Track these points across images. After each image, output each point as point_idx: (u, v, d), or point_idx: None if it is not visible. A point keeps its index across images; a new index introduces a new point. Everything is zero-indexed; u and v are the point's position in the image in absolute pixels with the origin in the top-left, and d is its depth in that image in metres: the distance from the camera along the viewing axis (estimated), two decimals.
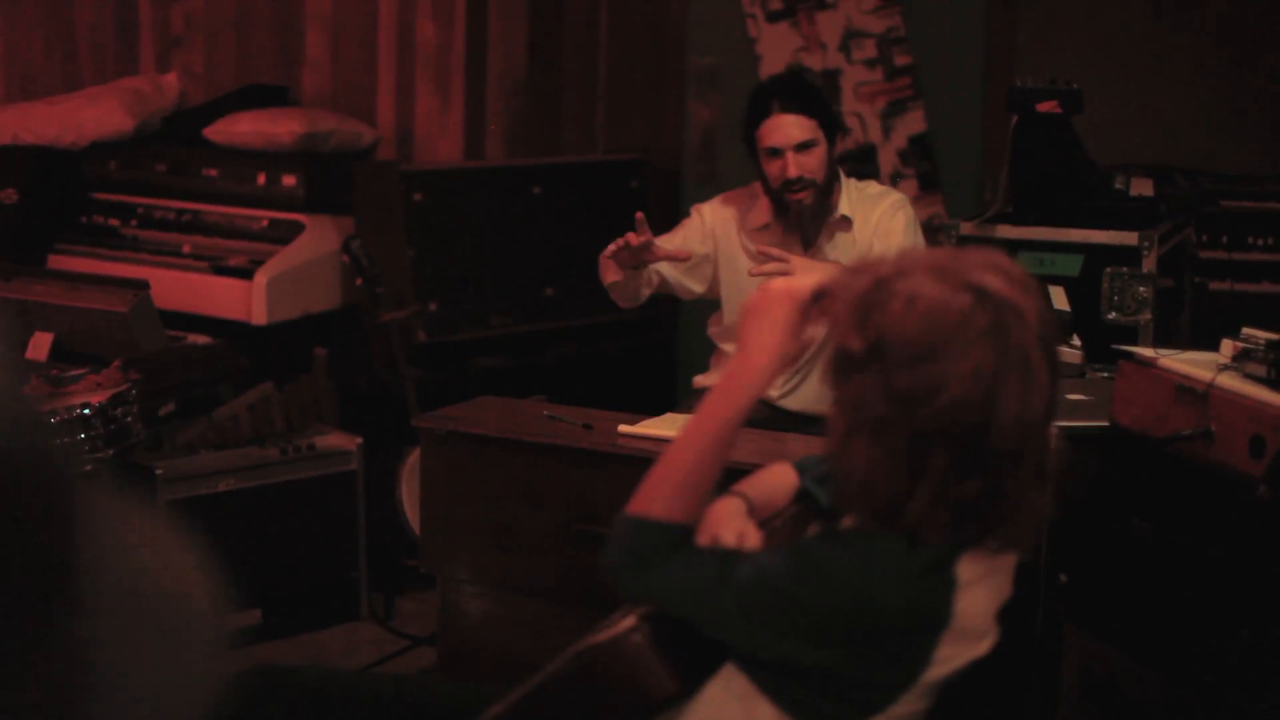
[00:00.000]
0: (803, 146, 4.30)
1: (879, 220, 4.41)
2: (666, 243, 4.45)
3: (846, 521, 2.26)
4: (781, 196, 4.34)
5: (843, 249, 4.41)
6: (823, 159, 4.33)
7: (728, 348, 4.56)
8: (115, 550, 0.95)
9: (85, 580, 0.86)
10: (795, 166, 4.28)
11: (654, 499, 2.31)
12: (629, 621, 2.34)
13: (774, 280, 2.38)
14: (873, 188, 4.53)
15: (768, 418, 4.39)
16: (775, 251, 4.19)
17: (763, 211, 4.47)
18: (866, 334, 2.12)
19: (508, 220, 5.85)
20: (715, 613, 2.23)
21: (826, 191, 4.37)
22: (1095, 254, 4.67)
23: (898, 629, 2.18)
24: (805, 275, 4.07)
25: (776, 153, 4.31)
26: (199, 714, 0.95)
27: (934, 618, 2.18)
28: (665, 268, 4.50)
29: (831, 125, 4.38)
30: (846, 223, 4.42)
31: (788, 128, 4.30)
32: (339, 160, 6.10)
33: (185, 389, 5.01)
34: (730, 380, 2.32)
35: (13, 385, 0.84)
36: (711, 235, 4.53)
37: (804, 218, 4.36)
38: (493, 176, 5.97)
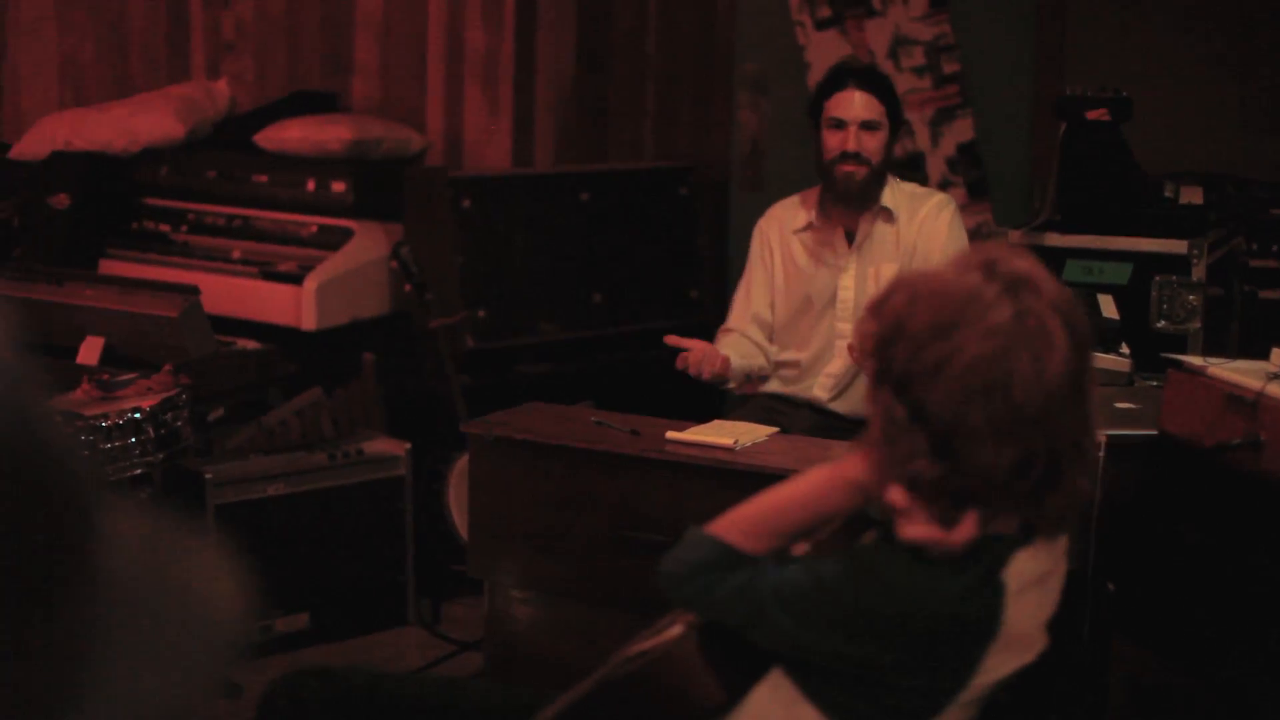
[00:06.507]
0: (867, 125, 4.36)
1: (924, 217, 4.43)
2: (752, 276, 4.57)
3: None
4: (833, 170, 4.37)
5: (884, 241, 4.44)
6: (882, 144, 4.39)
7: (773, 348, 4.58)
8: (140, 551, 0.94)
9: (93, 578, 0.86)
10: (855, 141, 4.34)
11: (733, 524, 2.34)
12: (678, 630, 2.34)
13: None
14: (918, 188, 4.58)
15: (818, 424, 4.39)
16: None
17: (809, 210, 4.50)
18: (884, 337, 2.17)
19: (556, 227, 5.86)
20: (762, 614, 2.24)
21: (878, 179, 4.40)
22: (1144, 262, 4.65)
23: (946, 635, 2.18)
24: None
25: (841, 124, 4.36)
26: (199, 715, 0.95)
27: (983, 626, 2.18)
28: (755, 330, 4.54)
29: (896, 119, 4.44)
30: (888, 213, 4.44)
31: (857, 103, 4.36)
32: (388, 166, 6.13)
33: (235, 394, 5.03)
34: (844, 464, 2.31)
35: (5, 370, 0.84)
36: (771, 247, 4.56)
37: (851, 194, 4.37)
38: (541, 183, 5.99)
